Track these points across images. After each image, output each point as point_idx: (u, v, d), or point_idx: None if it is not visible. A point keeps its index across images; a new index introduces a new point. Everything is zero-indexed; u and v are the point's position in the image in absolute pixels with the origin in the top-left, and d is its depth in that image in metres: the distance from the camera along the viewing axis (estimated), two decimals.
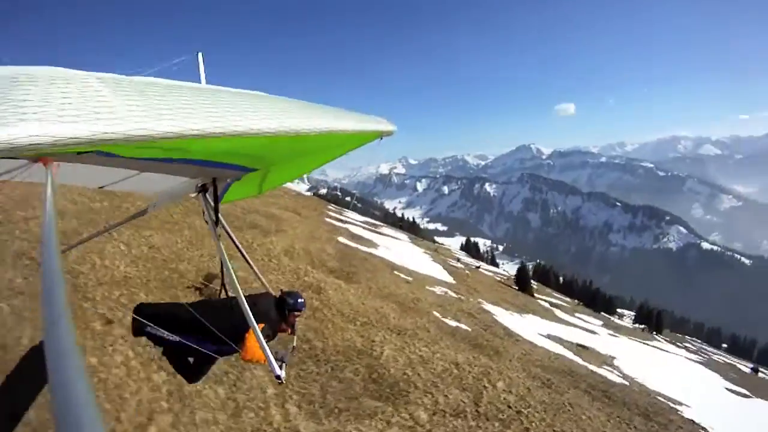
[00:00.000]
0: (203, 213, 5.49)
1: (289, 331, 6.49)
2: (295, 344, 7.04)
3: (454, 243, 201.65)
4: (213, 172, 4.91)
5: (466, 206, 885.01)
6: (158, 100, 2.71)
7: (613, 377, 23.73)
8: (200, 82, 6.64)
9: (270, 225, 25.63)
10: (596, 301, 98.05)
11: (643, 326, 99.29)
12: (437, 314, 21.52)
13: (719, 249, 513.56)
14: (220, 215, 5.51)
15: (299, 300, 6.42)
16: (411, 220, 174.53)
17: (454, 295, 29.62)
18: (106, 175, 5.14)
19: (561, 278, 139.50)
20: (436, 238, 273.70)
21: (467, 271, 52.24)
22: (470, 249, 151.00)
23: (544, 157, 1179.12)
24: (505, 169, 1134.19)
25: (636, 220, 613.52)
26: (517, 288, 53.25)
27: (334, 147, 5.37)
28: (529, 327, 30.42)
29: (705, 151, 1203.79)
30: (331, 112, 4.39)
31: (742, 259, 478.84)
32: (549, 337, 30.21)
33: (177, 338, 5.52)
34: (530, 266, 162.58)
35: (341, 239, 34.55)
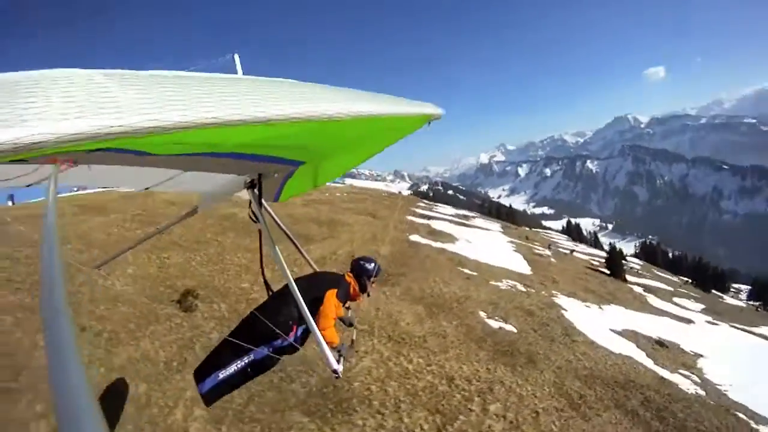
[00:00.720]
0: (249, 209, 5.35)
1: (362, 297, 6.55)
2: (354, 338, 6.95)
3: (560, 226, 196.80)
4: (256, 167, 4.85)
5: (570, 186, 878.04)
6: (169, 91, 2.57)
7: (687, 385, 19.64)
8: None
9: (320, 232, 25.87)
10: (706, 278, 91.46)
11: (758, 304, 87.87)
12: (482, 314, 20.01)
13: None
14: (270, 210, 5.93)
15: (371, 265, 6.50)
16: (509, 206, 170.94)
17: (522, 288, 27.75)
18: (147, 176, 4.80)
19: (671, 254, 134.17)
20: (544, 222, 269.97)
21: (552, 258, 49.53)
22: (572, 232, 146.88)
23: (642, 126, 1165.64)
24: (605, 144, 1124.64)
25: (746, 182, 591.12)
26: (608, 272, 49.37)
27: (381, 133, 4.84)
28: (603, 322, 27.07)
29: None
30: (372, 96, 3.78)
31: None
32: (623, 333, 26.33)
33: (245, 362, 5.62)
34: (637, 244, 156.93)
35: (414, 237, 34.22)
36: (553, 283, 33.12)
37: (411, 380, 12.16)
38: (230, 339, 5.83)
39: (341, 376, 5.28)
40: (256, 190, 5.13)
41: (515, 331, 19.08)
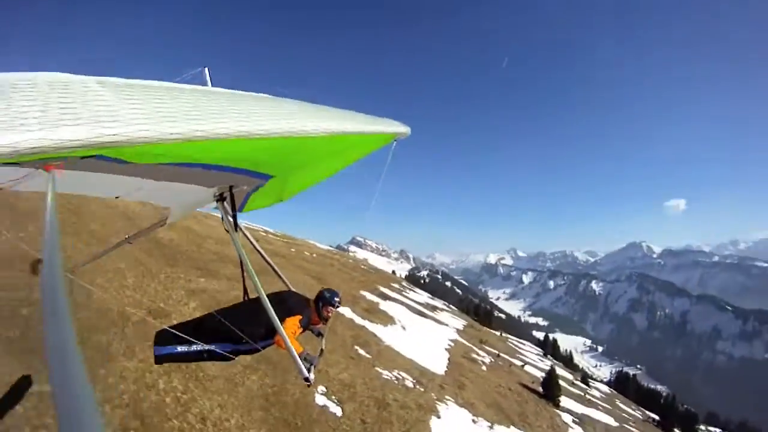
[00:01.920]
0: (222, 221, 5.54)
1: (323, 323, 7.22)
2: (323, 347, 7.28)
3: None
4: (228, 178, 5.01)
5: (570, 303, 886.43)
6: (160, 103, 2.76)
7: None
8: None
9: (235, 274, 23.66)
10: (674, 418, 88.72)
11: None
12: (322, 388, 17.01)
13: None
14: (242, 228, 6.04)
15: (335, 297, 7.15)
16: (486, 308, 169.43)
17: (409, 383, 23.81)
18: (120, 185, 4.80)
19: (654, 387, 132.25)
20: (534, 332, 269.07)
21: (484, 367, 44.76)
22: (547, 346, 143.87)
23: (654, 255, 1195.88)
24: (615, 267, 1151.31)
25: (747, 326, 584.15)
26: (543, 393, 46.46)
27: (348, 149, 5.30)
28: None
29: None
30: (342, 114, 4.36)
31: None
32: None
33: (205, 348, 6.11)
34: (622, 370, 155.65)
35: (343, 309, 32.30)
36: (458, 389, 29.32)
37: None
38: (202, 323, 6.44)
39: (312, 384, 5.95)
40: (226, 203, 5.41)
41: (338, 415, 15.81)
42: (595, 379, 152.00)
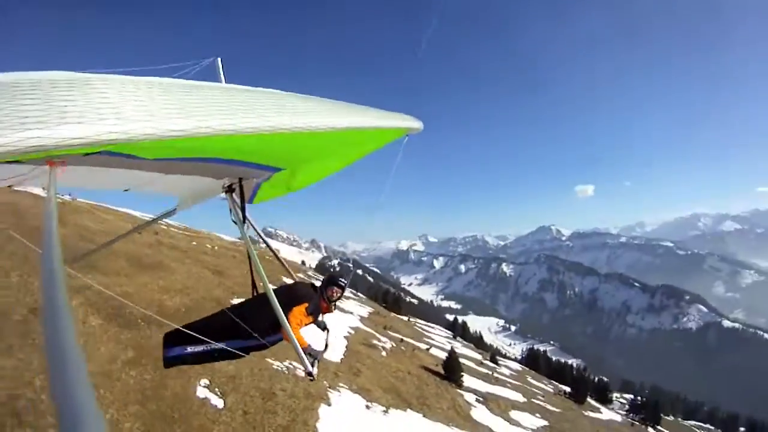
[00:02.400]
0: (231, 213, 5.70)
1: (332, 307, 7.30)
2: (327, 341, 7.29)
3: (467, 321, 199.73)
4: (237, 171, 5.15)
5: (481, 286, 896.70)
6: (165, 99, 2.82)
7: None
8: None
9: (123, 268, 24.82)
10: (586, 389, 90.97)
11: (638, 418, 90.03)
12: (205, 381, 16.32)
13: (741, 326, 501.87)
14: (250, 219, 6.18)
15: (340, 278, 7.32)
16: (395, 294, 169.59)
17: (299, 372, 23.47)
18: (128, 178, 4.70)
19: (569, 363, 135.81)
20: (447, 316, 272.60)
21: (384, 353, 43.67)
22: (456, 328, 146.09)
23: (563, 238, 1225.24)
24: (524, 250, 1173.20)
25: (654, 300, 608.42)
26: (444, 375, 46.50)
27: (359, 144, 5.53)
28: (369, 428, 22.36)
29: (725, 228, 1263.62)
30: (354, 109, 4.44)
31: (766, 335, 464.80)
32: None
33: (215, 348, 6.11)
34: (534, 347, 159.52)
35: (236, 300, 31.01)
36: (354, 375, 28.30)
37: None
38: (211, 322, 6.43)
39: (315, 378, 5.83)
40: (235, 195, 5.53)
41: (219, 407, 15.47)
42: (508, 357, 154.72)
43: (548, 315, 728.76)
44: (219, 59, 6.59)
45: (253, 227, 6.62)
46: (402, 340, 58.92)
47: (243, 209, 5.62)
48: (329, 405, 21.36)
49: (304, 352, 5.80)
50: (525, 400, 55.00)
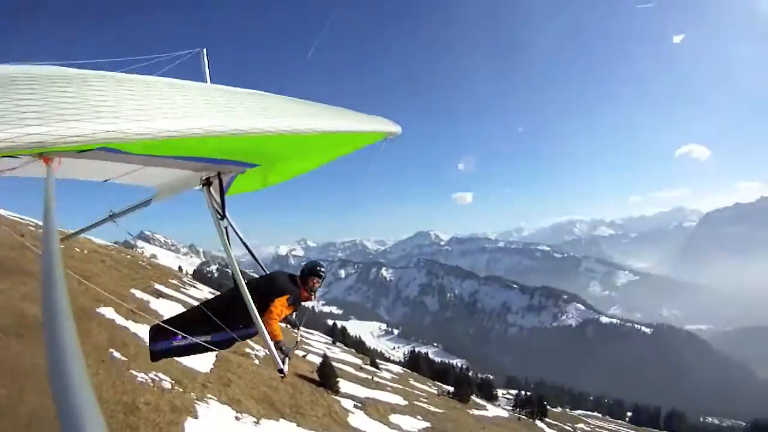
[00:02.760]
0: (207, 206, 5.74)
1: (312, 296, 7.45)
2: (299, 338, 7.81)
3: (348, 326, 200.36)
4: (216, 167, 5.27)
5: (362, 290, 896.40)
6: (160, 99, 2.93)
7: None
8: (204, 80, 7.03)
9: None
10: (465, 388, 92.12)
11: (523, 412, 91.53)
12: None
13: (618, 321, 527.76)
14: (227, 215, 6.16)
15: (318, 267, 7.57)
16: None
17: (167, 384, 21.56)
18: (110, 169, 4.88)
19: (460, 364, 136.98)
20: (329, 321, 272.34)
21: (257, 361, 41.84)
22: (336, 333, 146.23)
23: (442, 243, 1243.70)
24: (404, 255, 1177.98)
25: (533, 300, 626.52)
26: (320, 382, 45.06)
27: (337, 146, 5.86)
28: None
29: (600, 232, 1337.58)
30: (334, 112, 4.77)
31: (643, 328, 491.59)
32: None
33: (200, 341, 6.35)
34: (416, 350, 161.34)
35: (112, 312, 29.52)
36: (223, 386, 26.58)
37: None
38: (196, 316, 6.58)
39: (286, 375, 5.93)
40: (212, 189, 5.62)
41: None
42: (392, 361, 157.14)
43: (430, 318, 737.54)
44: (204, 51, 6.92)
45: (229, 221, 6.60)
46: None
47: (222, 203, 5.76)
48: (196, 418, 20.60)
49: (276, 347, 5.90)
50: (406, 402, 54.98)
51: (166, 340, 6.39)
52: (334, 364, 57.16)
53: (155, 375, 21.88)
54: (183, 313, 7.22)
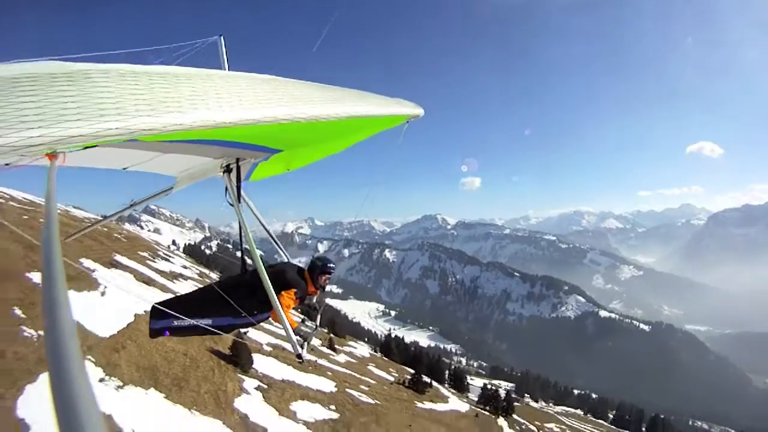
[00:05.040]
0: (226, 192, 5.82)
1: (319, 292, 7.49)
2: (318, 323, 7.61)
3: (346, 306, 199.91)
4: (236, 152, 5.31)
5: (364, 271, 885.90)
6: (165, 92, 2.86)
7: None
8: (222, 67, 7.06)
9: None
10: (429, 377, 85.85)
11: (484, 410, 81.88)
12: None
13: (617, 316, 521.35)
14: (248, 199, 6.53)
15: (329, 264, 7.48)
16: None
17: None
18: (130, 157, 4.92)
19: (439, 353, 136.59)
20: (328, 300, 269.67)
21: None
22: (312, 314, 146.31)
23: (449, 227, 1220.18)
24: (409, 237, 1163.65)
25: (534, 289, 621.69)
26: (230, 359, 39.40)
27: (359, 130, 5.72)
28: None
29: (607, 225, 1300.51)
30: (355, 95, 4.70)
31: (641, 325, 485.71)
32: None
33: (204, 323, 6.33)
34: (401, 335, 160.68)
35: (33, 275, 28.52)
36: (113, 351, 25.45)
37: None
38: (200, 296, 6.90)
39: (304, 361, 6.05)
40: (232, 175, 5.67)
41: None
42: (370, 343, 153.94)
43: (429, 301, 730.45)
44: (222, 38, 6.96)
45: (250, 207, 6.89)
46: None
47: (239, 189, 5.74)
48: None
49: (295, 333, 5.99)
50: (335, 390, 48.70)
51: (167, 319, 6.39)
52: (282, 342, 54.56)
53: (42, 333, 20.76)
54: (190, 293, 7.35)
